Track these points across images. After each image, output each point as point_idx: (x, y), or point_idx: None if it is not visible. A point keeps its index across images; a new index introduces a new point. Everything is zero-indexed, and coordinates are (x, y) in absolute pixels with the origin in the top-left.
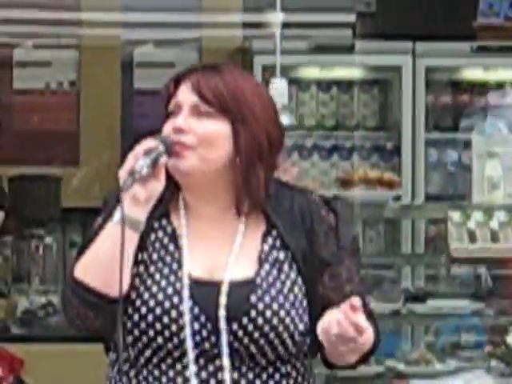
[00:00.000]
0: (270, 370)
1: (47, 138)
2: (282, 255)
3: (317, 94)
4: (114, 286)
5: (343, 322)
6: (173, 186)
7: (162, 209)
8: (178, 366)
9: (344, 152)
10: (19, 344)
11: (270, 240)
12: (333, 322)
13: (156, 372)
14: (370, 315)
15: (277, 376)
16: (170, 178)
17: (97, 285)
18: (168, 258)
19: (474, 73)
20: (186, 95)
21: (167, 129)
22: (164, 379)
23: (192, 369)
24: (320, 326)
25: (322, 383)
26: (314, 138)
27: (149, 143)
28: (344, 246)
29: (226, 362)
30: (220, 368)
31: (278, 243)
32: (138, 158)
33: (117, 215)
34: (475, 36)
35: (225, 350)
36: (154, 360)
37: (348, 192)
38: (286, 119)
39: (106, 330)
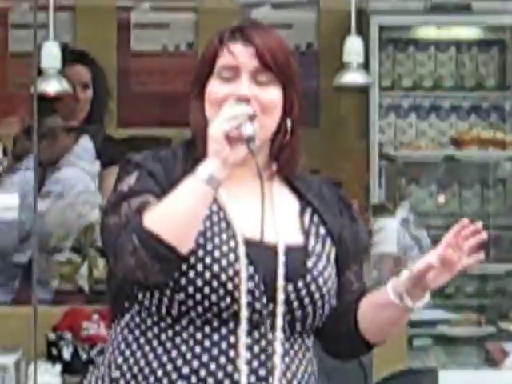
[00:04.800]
0: (300, 340)
1: (164, 101)
2: (322, 231)
3: (435, 55)
4: (183, 242)
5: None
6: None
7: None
8: (224, 330)
9: (461, 112)
10: None
11: (307, 215)
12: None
13: (198, 335)
14: None
15: (303, 347)
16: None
17: (170, 239)
18: (215, 218)
19: None
20: (245, 59)
21: (222, 92)
22: (207, 343)
23: (243, 327)
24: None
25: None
26: (431, 99)
27: (241, 108)
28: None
29: (279, 321)
30: (267, 331)
31: (315, 219)
32: (238, 120)
33: (203, 173)
34: None
35: (280, 309)
36: (198, 322)
37: (460, 152)
38: (361, 78)
39: (161, 286)
